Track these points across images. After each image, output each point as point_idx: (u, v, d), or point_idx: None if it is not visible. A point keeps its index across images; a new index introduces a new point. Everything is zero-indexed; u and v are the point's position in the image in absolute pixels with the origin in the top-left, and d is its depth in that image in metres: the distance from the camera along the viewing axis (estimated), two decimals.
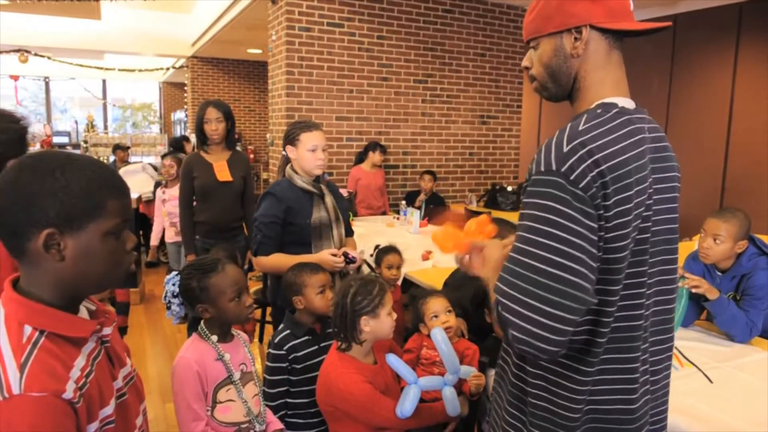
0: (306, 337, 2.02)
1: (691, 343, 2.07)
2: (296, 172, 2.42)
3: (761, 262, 2.15)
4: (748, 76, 5.77)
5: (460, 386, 1.93)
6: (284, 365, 1.98)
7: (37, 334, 0.86)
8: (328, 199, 2.44)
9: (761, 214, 5.47)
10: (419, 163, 6.00)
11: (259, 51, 9.82)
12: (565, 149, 0.97)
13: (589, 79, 1.10)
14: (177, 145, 6.38)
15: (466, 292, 2.28)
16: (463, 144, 6.25)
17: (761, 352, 2.01)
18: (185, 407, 1.59)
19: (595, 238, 0.95)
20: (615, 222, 0.97)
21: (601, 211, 0.96)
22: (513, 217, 5.55)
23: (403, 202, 5.16)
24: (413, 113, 5.90)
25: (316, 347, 2.03)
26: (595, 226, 0.95)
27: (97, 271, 0.92)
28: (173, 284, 1.71)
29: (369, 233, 4.09)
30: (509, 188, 5.91)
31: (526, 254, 0.96)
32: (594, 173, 0.95)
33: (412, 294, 2.68)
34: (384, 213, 5.33)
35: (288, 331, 2.03)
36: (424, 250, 3.47)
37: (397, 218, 4.71)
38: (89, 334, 0.93)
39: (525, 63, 1.18)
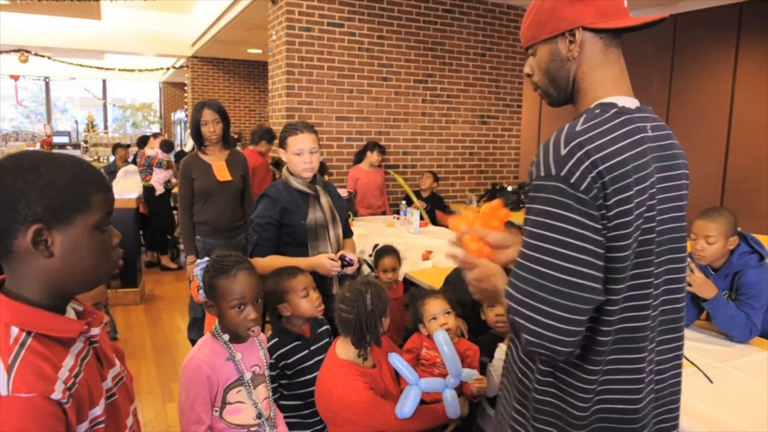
0: (295, 343, 2.01)
1: (691, 343, 2.07)
2: (291, 174, 2.43)
3: (751, 260, 2.15)
4: (748, 76, 5.77)
5: (460, 386, 1.92)
6: (273, 373, 1.97)
7: (24, 335, 0.86)
8: (324, 200, 2.44)
9: (761, 214, 5.48)
10: (419, 163, 5.99)
11: (259, 51, 9.82)
12: (563, 152, 0.98)
13: (587, 80, 1.10)
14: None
15: (467, 290, 2.27)
16: (463, 144, 6.25)
17: (761, 352, 2.01)
18: (189, 408, 1.57)
19: (600, 238, 0.97)
20: (616, 222, 0.98)
21: (603, 211, 0.97)
22: (513, 216, 5.53)
23: (403, 202, 5.16)
24: (413, 113, 5.90)
25: (306, 351, 2.02)
26: (599, 226, 0.97)
27: (85, 265, 0.92)
28: (201, 269, 1.73)
29: (369, 233, 4.09)
30: (509, 188, 5.91)
31: (533, 260, 0.99)
32: (593, 174, 0.96)
33: (412, 293, 2.67)
34: (384, 213, 5.33)
35: (276, 339, 2.01)
36: (425, 250, 3.47)
37: (397, 218, 4.71)
38: (77, 334, 0.93)
39: (526, 70, 1.19)
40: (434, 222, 5.08)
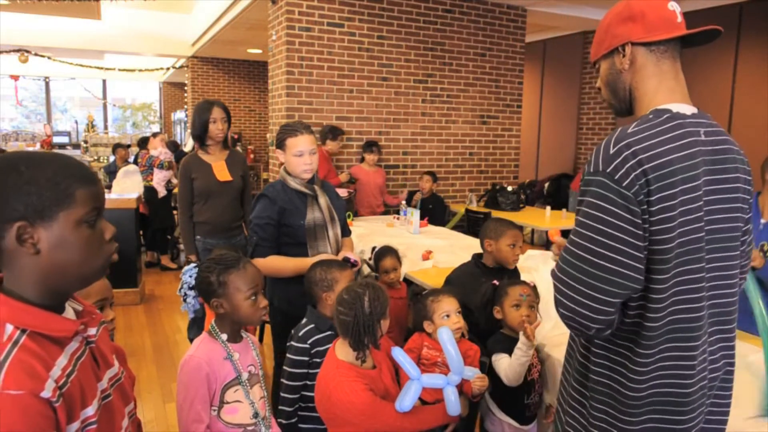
0: (329, 332, 2.04)
1: None
2: (289, 174, 2.43)
3: None
4: (748, 76, 5.77)
5: (461, 386, 1.92)
6: (306, 359, 2.00)
7: (18, 332, 0.86)
8: (322, 200, 2.45)
9: None
10: (419, 163, 6.00)
11: (259, 51, 9.82)
12: (612, 151, 1.11)
13: (641, 89, 1.23)
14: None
15: (469, 291, 2.27)
16: (463, 144, 6.25)
17: (760, 352, 2.01)
18: (188, 407, 1.58)
19: (639, 231, 1.09)
20: (659, 216, 1.08)
21: (645, 206, 1.09)
22: (513, 216, 5.49)
23: (403, 203, 5.16)
24: (413, 113, 5.90)
25: None
26: (639, 221, 1.09)
27: (74, 260, 0.92)
28: (190, 276, 1.69)
29: (369, 233, 4.09)
30: (509, 188, 5.90)
31: (576, 245, 1.14)
32: (637, 172, 1.08)
33: (413, 291, 2.66)
34: (384, 213, 5.33)
35: (312, 325, 2.05)
36: (425, 250, 3.47)
37: (397, 218, 4.71)
38: (71, 333, 0.93)
39: (597, 85, 1.35)
40: (435, 222, 5.08)
